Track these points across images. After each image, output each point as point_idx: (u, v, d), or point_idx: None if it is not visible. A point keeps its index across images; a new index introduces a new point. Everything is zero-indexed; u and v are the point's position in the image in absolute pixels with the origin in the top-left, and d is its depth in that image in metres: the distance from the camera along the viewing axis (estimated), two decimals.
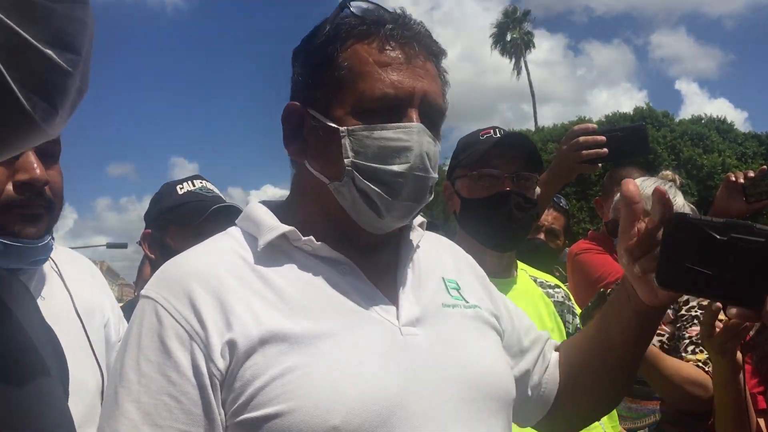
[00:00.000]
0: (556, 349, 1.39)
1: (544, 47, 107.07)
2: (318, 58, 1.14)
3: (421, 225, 1.26)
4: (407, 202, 1.10)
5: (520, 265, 2.03)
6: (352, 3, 1.17)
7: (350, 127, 1.08)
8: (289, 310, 1.04)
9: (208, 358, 0.98)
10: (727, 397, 1.76)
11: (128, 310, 2.46)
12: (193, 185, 2.37)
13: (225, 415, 0.99)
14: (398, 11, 1.16)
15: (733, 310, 0.82)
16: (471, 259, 1.40)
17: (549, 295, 2.01)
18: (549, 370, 1.34)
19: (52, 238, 1.48)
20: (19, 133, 0.65)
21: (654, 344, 2.22)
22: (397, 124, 1.09)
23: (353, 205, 1.11)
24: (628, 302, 1.14)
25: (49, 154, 1.40)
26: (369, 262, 1.15)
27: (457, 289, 1.26)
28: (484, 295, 1.30)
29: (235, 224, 1.20)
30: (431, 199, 1.16)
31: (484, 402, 1.11)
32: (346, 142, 1.08)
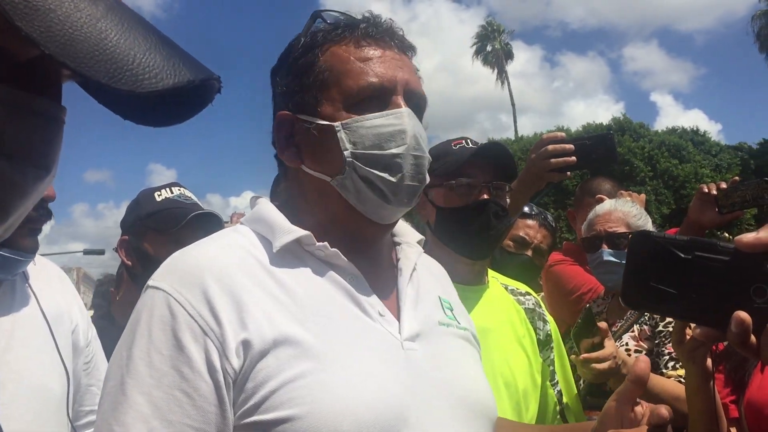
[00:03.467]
0: None
1: (521, 58, 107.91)
2: (299, 67, 1.18)
3: (419, 242, 1.29)
4: (410, 182, 1.13)
5: (491, 273, 2.05)
6: (323, 13, 1.21)
7: (343, 121, 1.12)
8: (301, 315, 1.03)
9: (223, 356, 0.96)
10: (698, 404, 1.78)
11: (104, 318, 2.45)
12: (171, 192, 2.37)
13: (234, 415, 0.97)
14: (366, 14, 1.20)
15: (698, 330, 0.80)
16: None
17: (520, 302, 2.03)
18: None
19: None
20: None
21: None
22: (387, 111, 1.13)
23: (358, 195, 1.13)
24: None
25: None
26: (373, 274, 1.16)
27: (451, 310, 1.30)
28: (469, 322, 1.34)
29: (241, 223, 1.19)
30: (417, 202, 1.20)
31: (474, 420, 1.14)
32: (342, 135, 1.12)
